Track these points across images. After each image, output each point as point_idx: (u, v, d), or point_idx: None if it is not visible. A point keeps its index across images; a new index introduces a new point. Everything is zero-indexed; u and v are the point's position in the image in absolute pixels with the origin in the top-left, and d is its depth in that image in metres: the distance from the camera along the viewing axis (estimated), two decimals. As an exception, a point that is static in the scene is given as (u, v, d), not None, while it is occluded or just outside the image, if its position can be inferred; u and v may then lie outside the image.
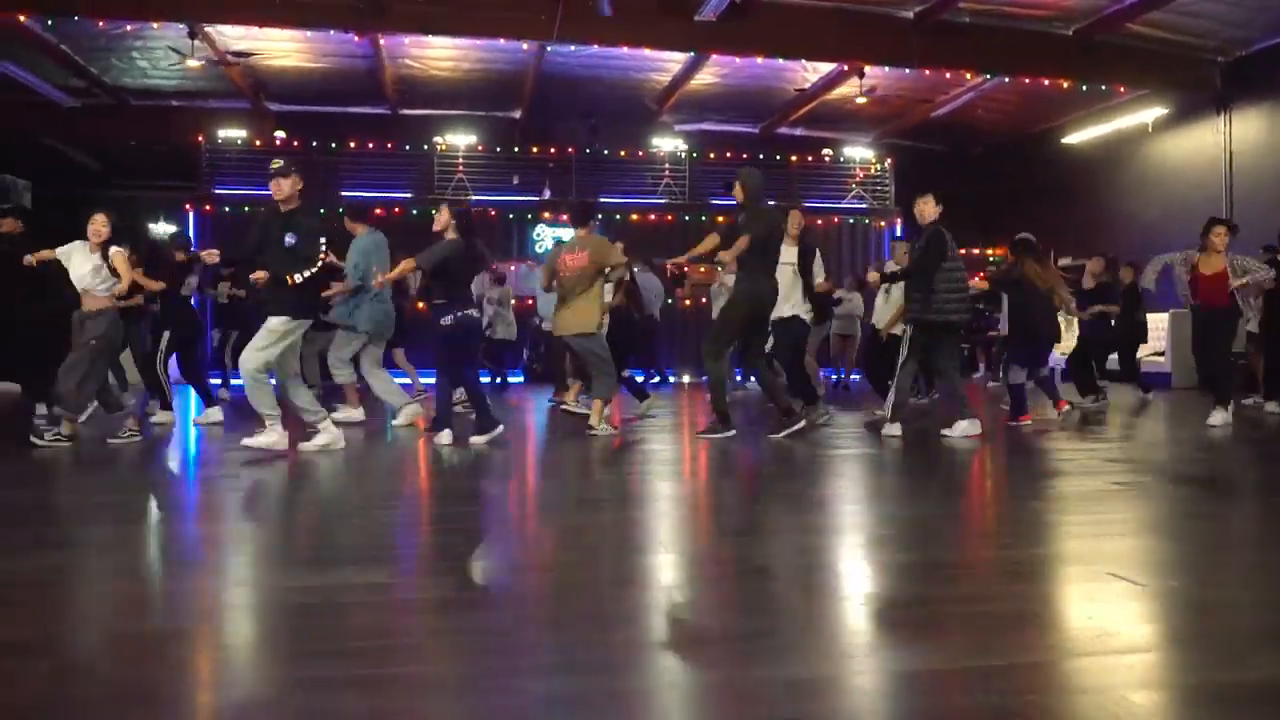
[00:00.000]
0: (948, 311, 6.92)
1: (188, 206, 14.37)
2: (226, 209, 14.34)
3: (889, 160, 16.55)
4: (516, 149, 15.74)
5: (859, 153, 16.59)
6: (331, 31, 11.88)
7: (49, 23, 11.22)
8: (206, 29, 12.14)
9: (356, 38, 11.77)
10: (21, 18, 10.78)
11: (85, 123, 15.58)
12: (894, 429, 6.95)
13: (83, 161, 17.19)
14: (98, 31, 12.27)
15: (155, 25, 11.43)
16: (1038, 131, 16.54)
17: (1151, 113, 14.52)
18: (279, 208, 5.94)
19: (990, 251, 17.11)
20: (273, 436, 5.92)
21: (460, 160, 15.37)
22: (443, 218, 6.52)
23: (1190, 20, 12.43)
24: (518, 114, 16.50)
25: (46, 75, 13.80)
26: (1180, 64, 13.46)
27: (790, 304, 7.56)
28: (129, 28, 11.70)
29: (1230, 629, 2.62)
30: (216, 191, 14.62)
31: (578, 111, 15.94)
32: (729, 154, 15.97)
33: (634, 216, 15.50)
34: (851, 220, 16.16)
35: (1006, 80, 13.91)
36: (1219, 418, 7.63)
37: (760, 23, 12.13)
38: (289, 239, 5.75)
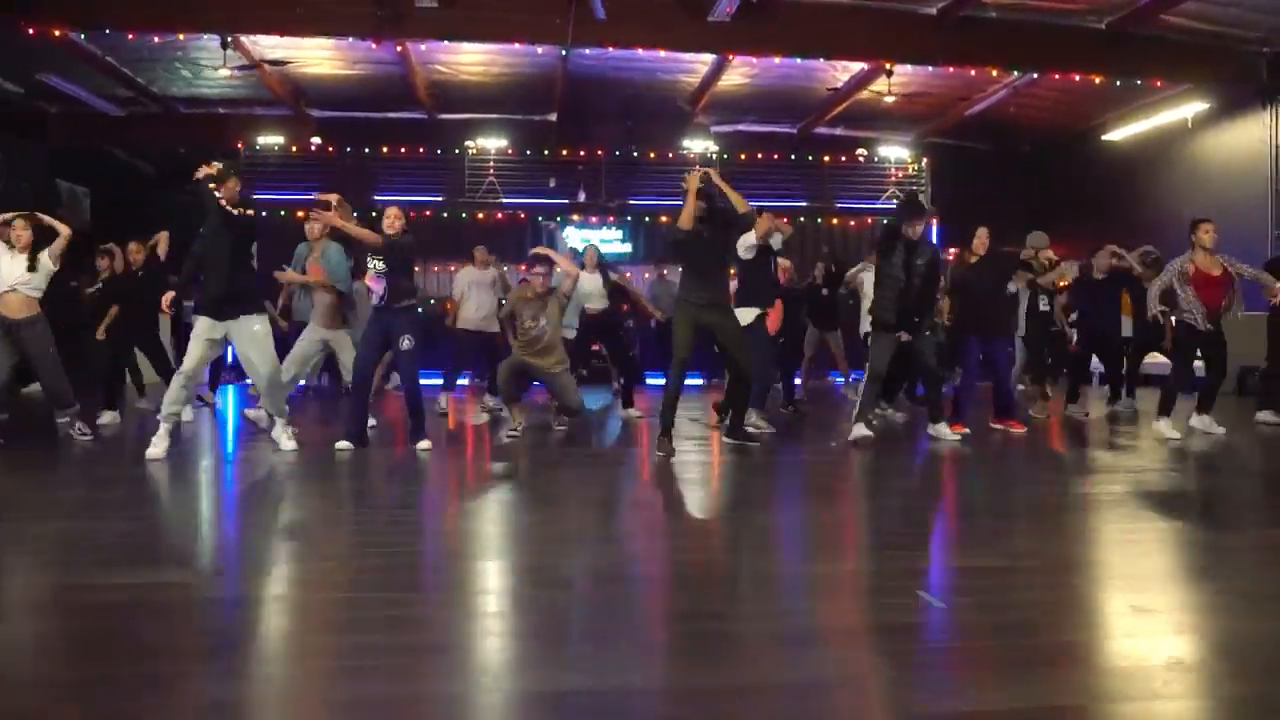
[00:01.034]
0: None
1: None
2: (264, 213, 14.70)
3: (925, 160, 16.26)
4: (546, 151, 15.88)
5: (894, 152, 16.33)
6: (350, 39, 12.12)
7: (81, 37, 11.65)
8: (240, 39, 12.54)
9: (375, 45, 11.98)
10: (57, 32, 11.23)
11: (135, 130, 16.16)
12: (860, 430, 6.99)
13: (139, 167, 17.86)
14: (139, 43, 12.74)
15: (180, 36, 11.79)
16: (1080, 129, 16.07)
17: (1192, 108, 13.99)
18: (225, 213, 6.08)
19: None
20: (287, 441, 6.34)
21: (491, 164, 15.57)
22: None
23: (1230, 10, 11.93)
24: (553, 116, 16.64)
25: (93, 86, 14.37)
26: (1222, 56, 12.93)
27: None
28: (157, 40, 12.06)
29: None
30: (255, 197, 15.01)
31: (613, 113, 16.01)
32: (759, 155, 15.88)
33: (663, 219, 15.50)
34: (885, 221, 15.88)
35: (1035, 76, 13.54)
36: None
37: (778, 22, 11.99)
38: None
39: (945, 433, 7.31)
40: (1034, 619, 2.95)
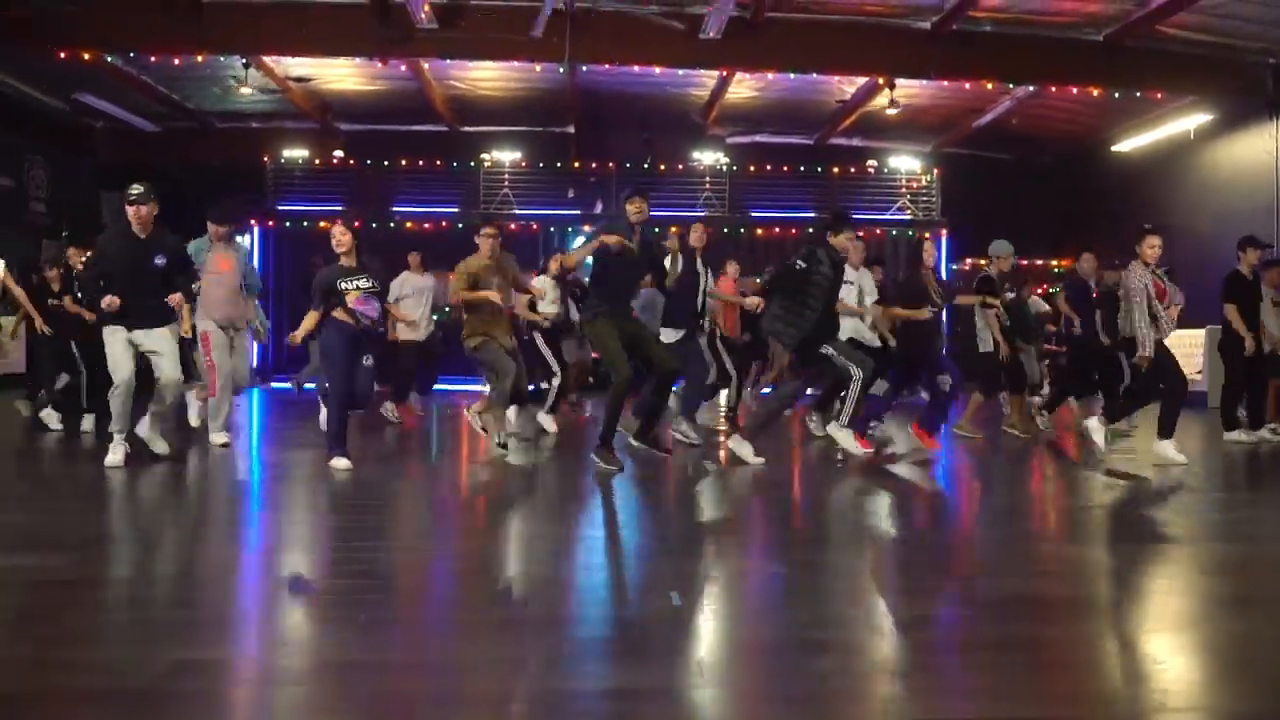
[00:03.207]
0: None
1: (253, 222, 15.49)
2: (287, 224, 15.43)
3: (936, 171, 16.29)
4: (560, 164, 16.28)
5: (905, 163, 16.39)
6: (356, 59, 12.66)
7: (108, 59, 12.38)
8: (263, 59, 13.18)
9: (381, 64, 12.50)
10: (86, 55, 11.96)
11: (174, 144, 16.96)
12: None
13: (182, 179, 18.70)
14: (166, 63, 13.45)
15: (199, 58, 12.43)
16: (1090, 140, 15.97)
17: (1200, 119, 13.84)
18: (137, 236, 6.31)
19: (1056, 263, 16.63)
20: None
21: (506, 176, 16.03)
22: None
23: (1231, 22, 11.84)
24: (571, 129, 17.05)
25: (129, 104, 15.16)
26: (1228, 68, 12.82)
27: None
28: (177, 61, 12.73)
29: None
30: (280, 208, 15.72)
31: (631, 126, 16.38)
32: (768, 166, 16.08)
33: (673, 229, 15.73)
34: (894, 232, 15.98)
35: (1031, 89, 13.54)
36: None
37: (770, 39, 12.24)
38: (159, 260, 6.31)
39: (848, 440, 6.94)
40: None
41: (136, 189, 6.28)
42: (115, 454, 6.28)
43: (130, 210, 6.26)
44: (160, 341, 6.39)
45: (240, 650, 2.95)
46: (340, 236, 6.62)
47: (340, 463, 6.29)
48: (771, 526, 5.23)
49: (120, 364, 6.30)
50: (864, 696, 2.60)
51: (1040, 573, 3.98)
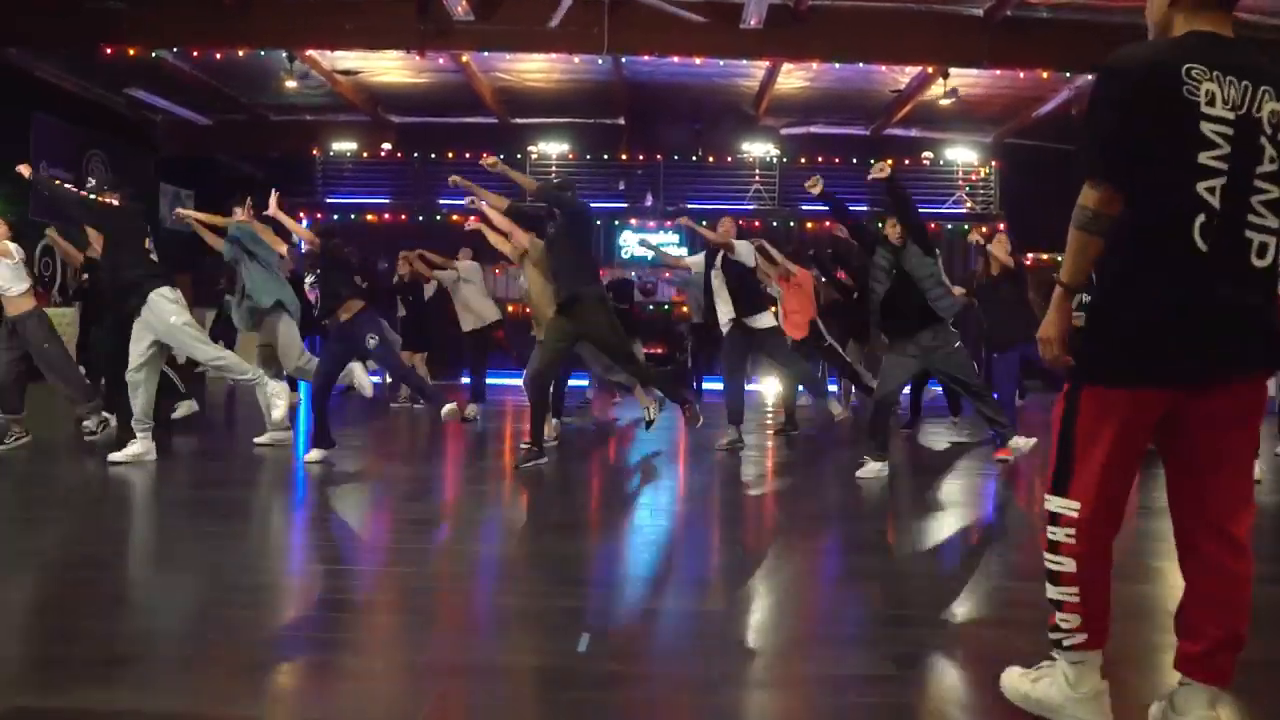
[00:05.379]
0: None
1: (301, 214, 15.64)
2: (335, 216, 15.56)
3: (994, 163, 15.73)
4: (606, 155, 16.12)
5: (961, 155, 15.86)
6: (395, 52, 12.64)
7: (154, 55, 12.54)
8: (310, 53, 13.24)
9: (420, 57, 12.44)
10: (131, 51, 12.14)
11: (231, 138, 17.21)
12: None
13: (241, 171, 19.00)
14: (216, 58, 13.60)
15: (240, 53, 12.54)
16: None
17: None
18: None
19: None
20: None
21: (554, 167, 15.91)
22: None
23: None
24: (621, 120, 16.87)
25: (180, 98, 15.40)
26: (1301, 52, 12.05)
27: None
28: (219, 56, 12.84)
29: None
30: (329, 201, 15.85)
31: (681, 117, 16.15)
32: (821, 158, 15.69)
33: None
34: (950, 226, 15.48)
35: (1090, 77, 12.89)
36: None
37: (814, 27, 11.90)
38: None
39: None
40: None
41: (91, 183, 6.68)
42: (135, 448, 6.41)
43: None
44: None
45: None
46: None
47: (315, 455, 6.54)
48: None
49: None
50: None
51: None
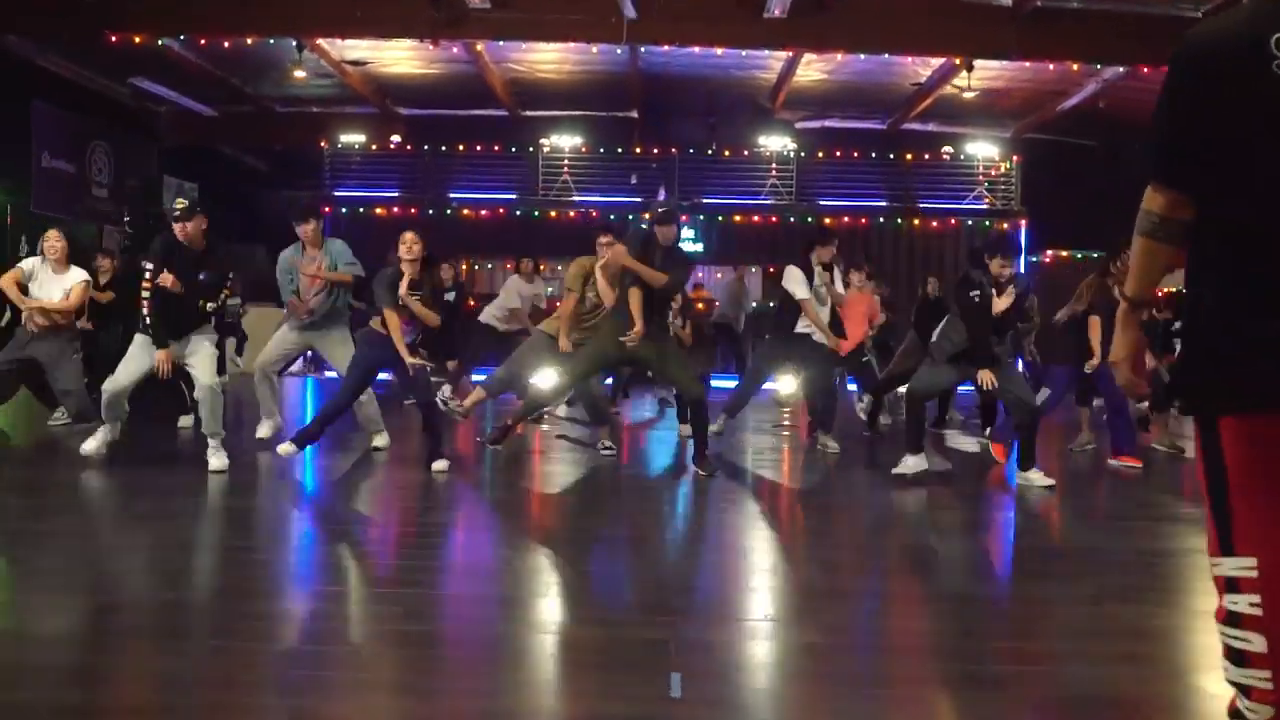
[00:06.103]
0: None
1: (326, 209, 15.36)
2: (344, 210, 15.23)
3: (1015, 158, 15.43)
4: (620, 149, 15.82)
5: (982, 150, 15.56)
6: (405, 42, 12.34)
7: (160, 43, 12.22)
8: (319, 42, 12.92)
9: (432, 46, 12.15)
10: (137, 39, 11.83)
11: (236, 129, 16.91)
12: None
13: (245, 163, 18.70)
14: (223, 47, 13.29)
15: (249, 41, 12.23)
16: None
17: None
18: (187, 250, 6.16)
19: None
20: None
21: (565, 161, 15.62)
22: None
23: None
24: (634, 113, 16.56)
25: (185, 88, 15.08)
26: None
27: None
28: (226, 44, 12.54)
29: None
30: (336, 194, 15.54)
31: (695, 110, 15.86)
32: (837, 153, 15.41)
33: (736, 218, 15.27)
34: (970, 222, 15.19)
35: (1121, 71, 12.63)
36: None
37: (838, 17, 11.60)
38: (203, 276, 6.13)
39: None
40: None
41: (181, 204, 6.32)
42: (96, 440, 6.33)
43: (176, 227, 6.12)
44: (197, 347, 6.23)
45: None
46: (413, 245, 6.24)
47: (289, 448, 6.31)
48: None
49: (130, 369, 6.17)
50: None
51: None
